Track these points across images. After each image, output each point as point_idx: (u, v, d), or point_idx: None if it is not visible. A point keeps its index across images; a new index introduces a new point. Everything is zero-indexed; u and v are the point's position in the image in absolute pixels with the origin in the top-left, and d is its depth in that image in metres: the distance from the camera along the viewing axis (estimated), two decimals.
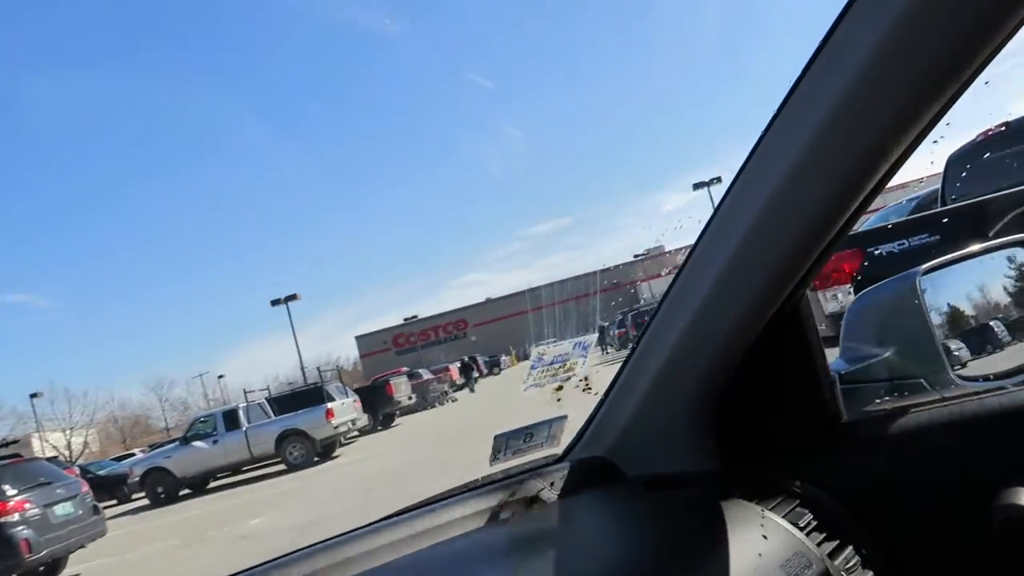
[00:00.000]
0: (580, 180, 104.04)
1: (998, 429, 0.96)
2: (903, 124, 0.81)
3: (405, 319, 78.64)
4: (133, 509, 18.51)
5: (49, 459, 14.83)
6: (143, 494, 18.78)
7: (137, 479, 18.78)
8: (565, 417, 1.32)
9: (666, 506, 1.07)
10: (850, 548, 0.97)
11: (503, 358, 56.42)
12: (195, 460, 18.12)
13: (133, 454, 31.18)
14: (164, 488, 18.10)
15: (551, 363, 1.43)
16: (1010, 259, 1.28)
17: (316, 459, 17.70)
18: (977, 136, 6.38)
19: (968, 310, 1.25)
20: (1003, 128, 5.98)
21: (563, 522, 1.08)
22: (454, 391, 31.71)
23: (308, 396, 19.19)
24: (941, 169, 6.57)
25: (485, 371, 41.94)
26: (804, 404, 1.10)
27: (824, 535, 0.96)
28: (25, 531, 9.51)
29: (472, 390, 32.96)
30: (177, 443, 19.26)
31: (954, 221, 5.02)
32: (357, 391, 22.21)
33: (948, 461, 0.98)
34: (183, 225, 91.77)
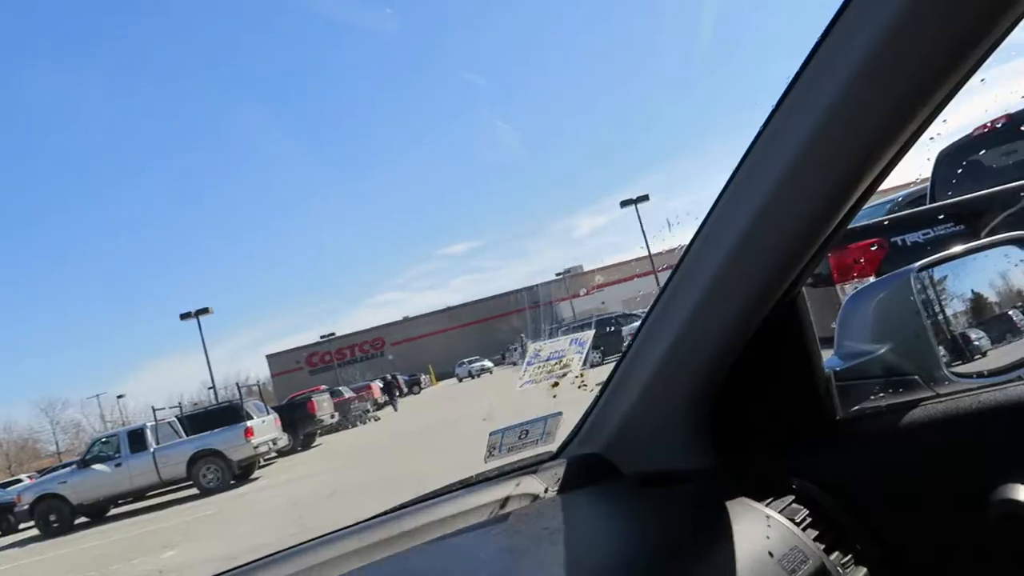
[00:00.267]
0: (493, 203, 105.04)
1: (993, 425, 0.97)
2: (899, 121, 0.81)
3: (322, 336, 76.73)
4: (21, 541, 16.68)
5: None
6: (32, 523, 16.93)
7: (26, 507, 16.92)
8: (560, 414, 1.30)
9: (663, 502, 1.07)
10: (846, 544, 0.98)
11: (423, 377, 55.87)
12: (95, 485, 16.55)
13: (20, 479, 29.09)
14: (58, 517, 16.39)
15: (547, 359, 1.44)
16: (1006, 256, 1.28)
17: (233, 482, 16.46)
18: (974, 131, 6.22)
19: (963, 307, 1.26)
20: (1007, 120, 5.77)
21: (560, 519, 1.07)
22: (375, 410, 30.59)
23: (224, 414, 17.86)
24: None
25: (405, 390, 40.90)
26: (799, 401, 1.10)
27: (820, 531, 0.97)
28: None
29: (395, 408, 32.79)
30: (74, 467, 17.61)
31: (980, 209, 4.71)
32: (276, 409, 20.94)
33: (944, 457, 0.99)
34: (85, 237, 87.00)
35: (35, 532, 16.75)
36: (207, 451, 16.53)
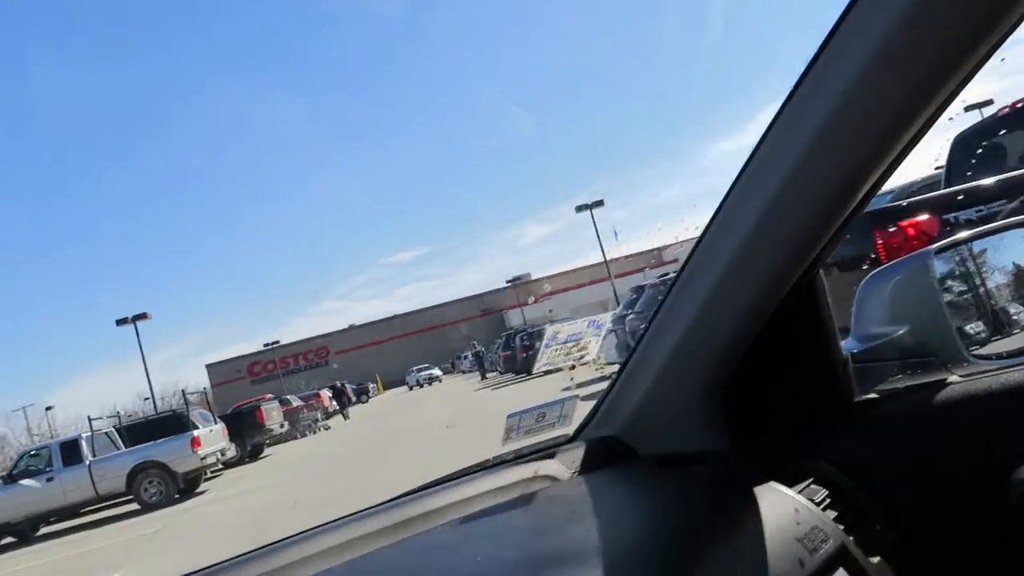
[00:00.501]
0: (440, 211, 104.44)
1: (1014, 406, 0.96)
2: (916, 104, 0.81)
3: (265, 345, 74.69)
4: None
5: None
6: None
7: None
8: (577, 397, 1.30)
9: (682, 483, 1.07)
10: (865, 525, 0.98)
11: (371, 386, 54.98)
12: (22, 502, 15.27)
13: None
14: None
15: (564, 342, 1.54)
16: None
17: (177, 496, 15.42)
18: (996, 112, 5.96)
19: (982, 289, 1.25)
20: None
21: (583, 499, 1.09)
22: (325, 419, 29.60)
23: (167, 423, 16.77)
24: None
25: (354, 399, 39.85)
26: (816, 383, 1.09)
27: (839, 511, 0.97)
28: None
29: (346, 417, 32.08)
30: None
31: None
32: (222, 419, 19.84)
33: (963, 438, 0.99)
34: (11, 241, 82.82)
35: None
36: (149, 463, 15.41)
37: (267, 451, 22.31)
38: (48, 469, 15.60)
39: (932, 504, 0.99)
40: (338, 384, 36.72)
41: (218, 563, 0.99)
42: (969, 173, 5.65)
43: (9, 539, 15.45)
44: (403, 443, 14.47)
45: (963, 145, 6.03)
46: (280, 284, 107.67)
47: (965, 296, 1.22)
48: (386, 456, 12.79)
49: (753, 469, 1.00)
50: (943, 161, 6.24)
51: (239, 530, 9.50)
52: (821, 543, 0.88)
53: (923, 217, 4.43)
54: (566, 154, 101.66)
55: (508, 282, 75.88)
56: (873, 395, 1.10)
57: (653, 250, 73.22)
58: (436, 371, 53.14)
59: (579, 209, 38.25)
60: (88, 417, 17.10)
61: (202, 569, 0.99)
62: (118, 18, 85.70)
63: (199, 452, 15.54)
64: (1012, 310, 1.24)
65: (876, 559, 0.95)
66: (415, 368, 54.53)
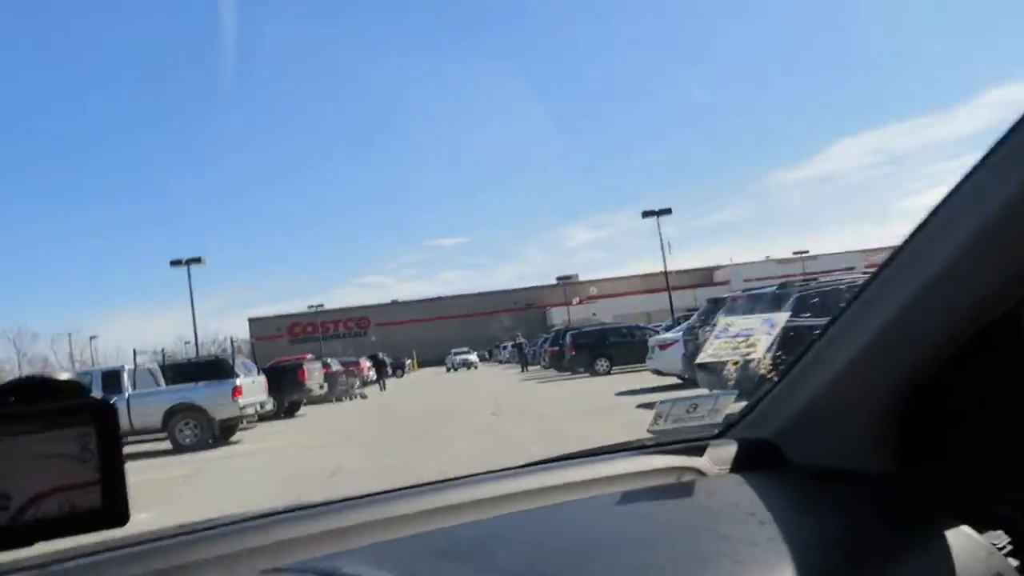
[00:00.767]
0: (487, 202, 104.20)
1: None
2: None
3: (310, 306, 75.05)
4: None
5: None
6: None
7: None
8: (735, 392, 1.28)
9: (843, 500, 1.01)
10: None
11: (407, 361, 55.04)
12: None
13: None
14: None
15: (735, 336, 1.44)
16: None
17: (211, 441, 15.08)
18: None
19: None
20: None
21: (734, 498, 1.04)
22: (361, 387, 29.37)
23: (211, 368, 16.45)
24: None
25: (391, 372, 39.69)
26: (1005, 422, 1.00)
27: (1022, 561, 0.89)
28: None
29: (383, 388, 32.06)
30: None
31: None
32: (263, 372, 19.51)
33: None
34: (76, 156, 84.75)
35: None
36: (188, 405, 15.10)
37: (303, 410, 22.07)
38: None
39: None
40: (379, 356, 36.60)
41: (304, 504, 1.00)
42: None
43: None
44: (447, 426, 13.90)
45: None
46: (330, 250, 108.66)
47: None
48: (430, 437, 12.24)
49: (929, 500, 0.95)
50: None
51: (275, 486, 9.09)
52: None
53: None
54: (624, 164, 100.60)
55: (558, 279, 75.16)
56: None
57: (703, 268, 72.30)
58: (473, 356, 52.91)
59: (645, 215, 37.33)
60: (133, 350, 16.86)
61: (290, 508, 0.99)
62: None
63: (239, 401, 15.16)
64: None
65: None
66: (455, 351, 54.42)
